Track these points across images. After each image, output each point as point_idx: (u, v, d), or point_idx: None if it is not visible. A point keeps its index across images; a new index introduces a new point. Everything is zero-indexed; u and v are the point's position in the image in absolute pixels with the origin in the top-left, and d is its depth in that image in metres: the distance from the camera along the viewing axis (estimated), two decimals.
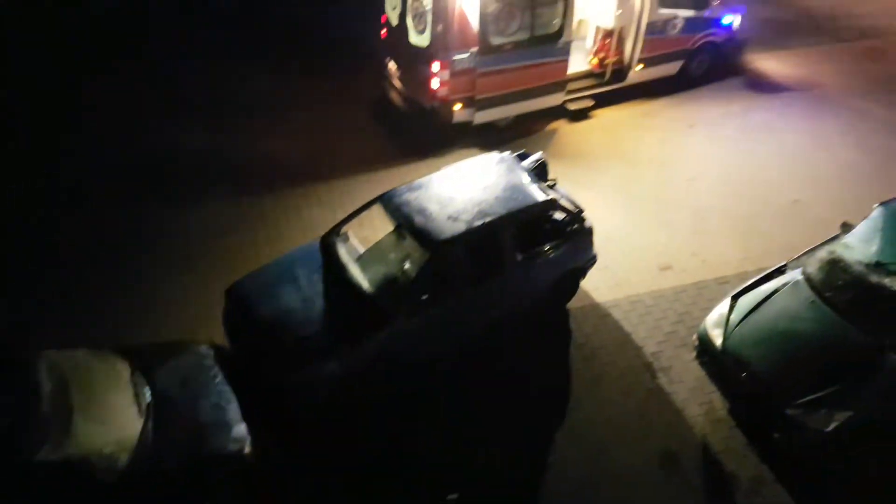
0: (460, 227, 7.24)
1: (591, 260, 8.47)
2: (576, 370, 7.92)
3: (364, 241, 8.29)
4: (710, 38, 12.17)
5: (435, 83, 10.15)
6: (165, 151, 10.81)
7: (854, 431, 6.42)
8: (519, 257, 7.69)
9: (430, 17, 9.86)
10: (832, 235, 7.95)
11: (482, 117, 10.73)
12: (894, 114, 11.79)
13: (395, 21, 10.81)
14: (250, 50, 13.36)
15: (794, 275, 7.55)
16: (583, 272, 8.48)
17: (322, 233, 8.00)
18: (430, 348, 7.50)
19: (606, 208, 9.93)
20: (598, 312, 8.53)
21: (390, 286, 7.37)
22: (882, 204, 7.72)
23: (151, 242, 9.28)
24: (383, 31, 11.32)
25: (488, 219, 7.35)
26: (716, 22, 12.10)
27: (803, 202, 10.01)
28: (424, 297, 7.16)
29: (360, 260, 7.68)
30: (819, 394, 6.49)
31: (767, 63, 13.23)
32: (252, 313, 7.21)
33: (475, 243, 7.34)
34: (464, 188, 7.73)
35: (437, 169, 8.24)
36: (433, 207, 7.45)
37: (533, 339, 8.20)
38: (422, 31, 10.13)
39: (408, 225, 7.39)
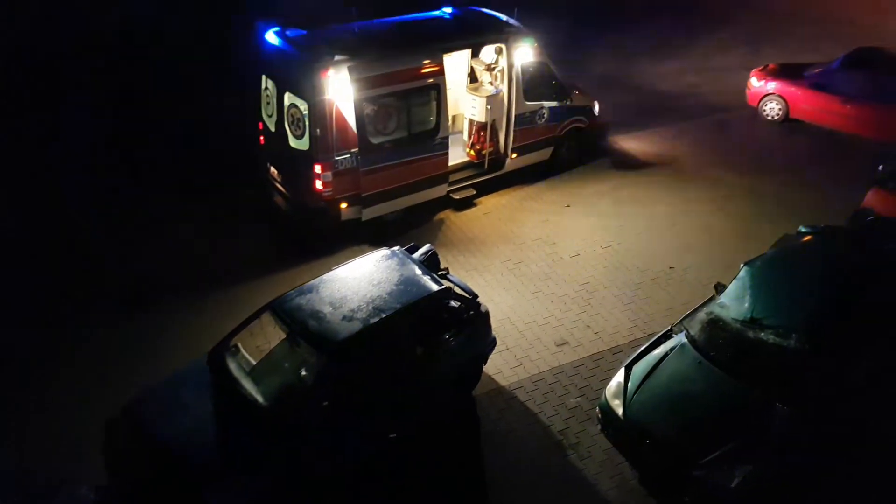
0: (356, 327, 7.14)
1: (491, 344, 8.53)
2: (488, 457, 7.77)
3: (256, 352, 7.97)
4: (576, 125, 13.06)
5: (319, 184, 10.22)
6: (47, 271, 10.19)
7: (758, 483, 6.63)
8: (419, 350, 7.64)
9: (307, 122, 10.03)
10: (708, 297, 8.46)
11: (370, 213, 10.85)
12: (745, 179, 12.97)
13: (272, 127, 10.90)
14: (125, 164, 12.95)
15: (679, 338, 7.91)
16: (484, 357, 8.51)
17: (210, 348, 7.62)
18: (340, 455, 7.15)
19: (500, 291, 10.15)
20: (503, 396, 8.54)
21: (288, 397, 7.06)
22: (747, 263, 8.31)
23: (22, 372, 8.52)
24: (261, 138, 11.38)
25: (385, 315, 7.30)
26: (579, 110, 13.04)
27: (678, 268, 10.66)
28: (325, 403, 6.90)
29: (253, 373, 7.35)
30: (719, 451, 6.69)
31: (630, 143, 14.31)
32: (139, 443, 6.67)
33: (373, 341, 7.24)
34: (357, 286, 7.67)
35: (329, 269, 8.17)
36: (326, 309, 7.33)
37: (441, 430, 8.05)
38: (300, 136, 10.25)
39: (301, 330, 7.22)
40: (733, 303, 7.99)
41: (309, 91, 9.87)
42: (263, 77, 10.93)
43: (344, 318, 7.25)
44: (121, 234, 11.14)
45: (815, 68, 14.98)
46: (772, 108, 15.16)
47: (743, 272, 8.22)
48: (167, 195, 12.12)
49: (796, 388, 7.04)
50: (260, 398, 6.98)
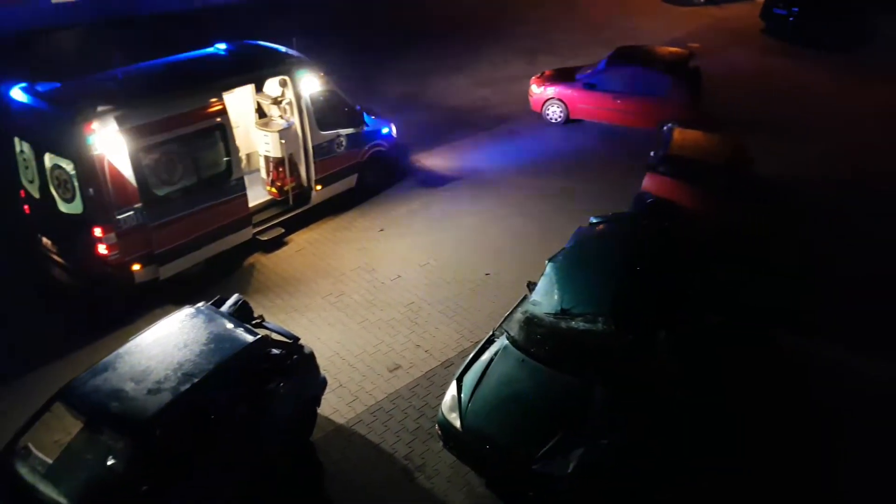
0: (165, 399, 6.56)
1: (322, 385, 8.23)
2: (337, 500, 7.53)
3: (52, 449, 6.99)
4: (377, 149, 13.09)
5: (102, 248, 9.25)
6: None
7: (591, 464, 6.92)
8: (244, 408, 7.14)
9: (76, 183, 9.05)
10: (522, 296, 8.80)
11: (169, 271, 10.04)
12: (540, 180, 13.79)
13: (36, 194, 9.71)
14: None
15: (501, 341, 8.12)
16: (316, 400, 8.18)
17: None
18: None
19: (324, 327, 9.86)
20: (343, 435, 8.26)
21: (97, 493, 6.26)
22: (550, 259, 8.79)
23: None
24: (26, 207, 10.11)
25: (197, 379, 6.78)
26: (377, 134, 13.08)
27: (494, 273, 11.02)
28: (144, 488, 6.21)
29: (51, 473, 6.44)
30: (551, 443, 6.92)
31: (432, 160, 14.66)
32: None
33: (187, 410, 6.66)
34: (161, 354, 7.06)
35: (127, 341, 7.38)
36: (128, 386, 6.67)
37: (283, 486, 7.62)
38: (70, 199, 9.21)
39: (100, 415, 6.48)
40: (544, 298, 8.38)
41: (72, 149, 8.92)
42: (17, 139, 9.73)
43: (149, 391, 6.64)
44: None
45: (585, 70, 16.38)
46: (554, 112, 16.32)
47: (548, 268, 8.65)
48: None
49: (609, 367, 7.49)
50: (63, 500, 6.15)
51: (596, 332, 7.78)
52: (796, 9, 21.74)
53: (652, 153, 12.45)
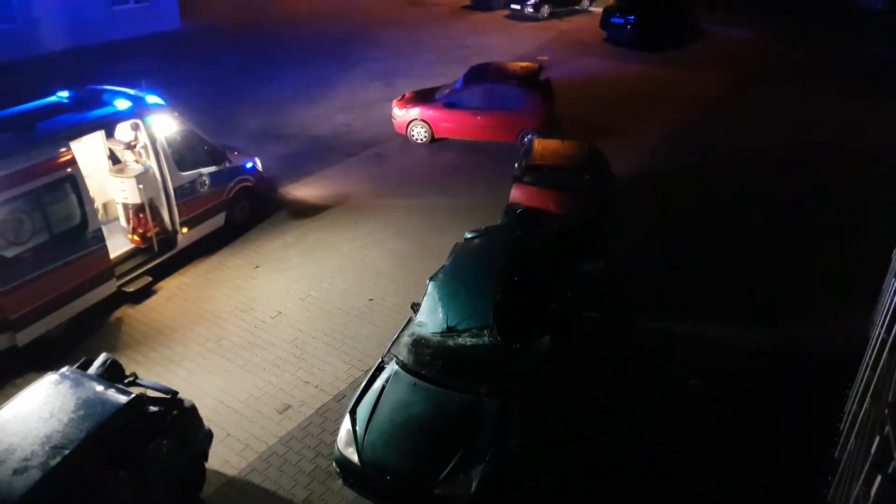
0: (34, 477, 6.03)
1: (207, 437, 7.85)
2: None
3: None
4: (243, 185, 12.76)
5: None
6: None
7: (494, 478, 7.03)
8: (123, 474, 6.70)
9: None
10: (407, 319, 8.85)
11: (27, 336, 9.25)
12: (413, 201, 13.98)
13: None
14: None
15: (391, 367, 8.11)
16: (203, 454, 7.80)
17: None
18: None
19: (205, 376, 9.44)
20: (235, 487, 7.92)
21: None
22: (431, 278, 8.91)
23: None
24: None
25: (67, 451, 6.28)
26: (241, 169, 12.76)
27: (377, 298, 11.02)
28: None
29: None
30: (452, 464, 6.98)
31: (302, 191, 14.45)
32: None
33: (62, 485, 6.15)
34: (24, 429, 6.48)
35: None
36: None
37: None
38: None
39: None
40: (429, 318, 8.47)
41: None
42: None
43: (15, 471, 6.08)
44: None
45: (444, 90, 16.82)
46: (419, 133, 16.62)
47: (430, 287, 8.76)
48: None
49: (498, 379, 7.69)
50: None
51: (482, 345, 7.98)
52: (632, 17, 23.49)
53: (516, 164, 12.96)
